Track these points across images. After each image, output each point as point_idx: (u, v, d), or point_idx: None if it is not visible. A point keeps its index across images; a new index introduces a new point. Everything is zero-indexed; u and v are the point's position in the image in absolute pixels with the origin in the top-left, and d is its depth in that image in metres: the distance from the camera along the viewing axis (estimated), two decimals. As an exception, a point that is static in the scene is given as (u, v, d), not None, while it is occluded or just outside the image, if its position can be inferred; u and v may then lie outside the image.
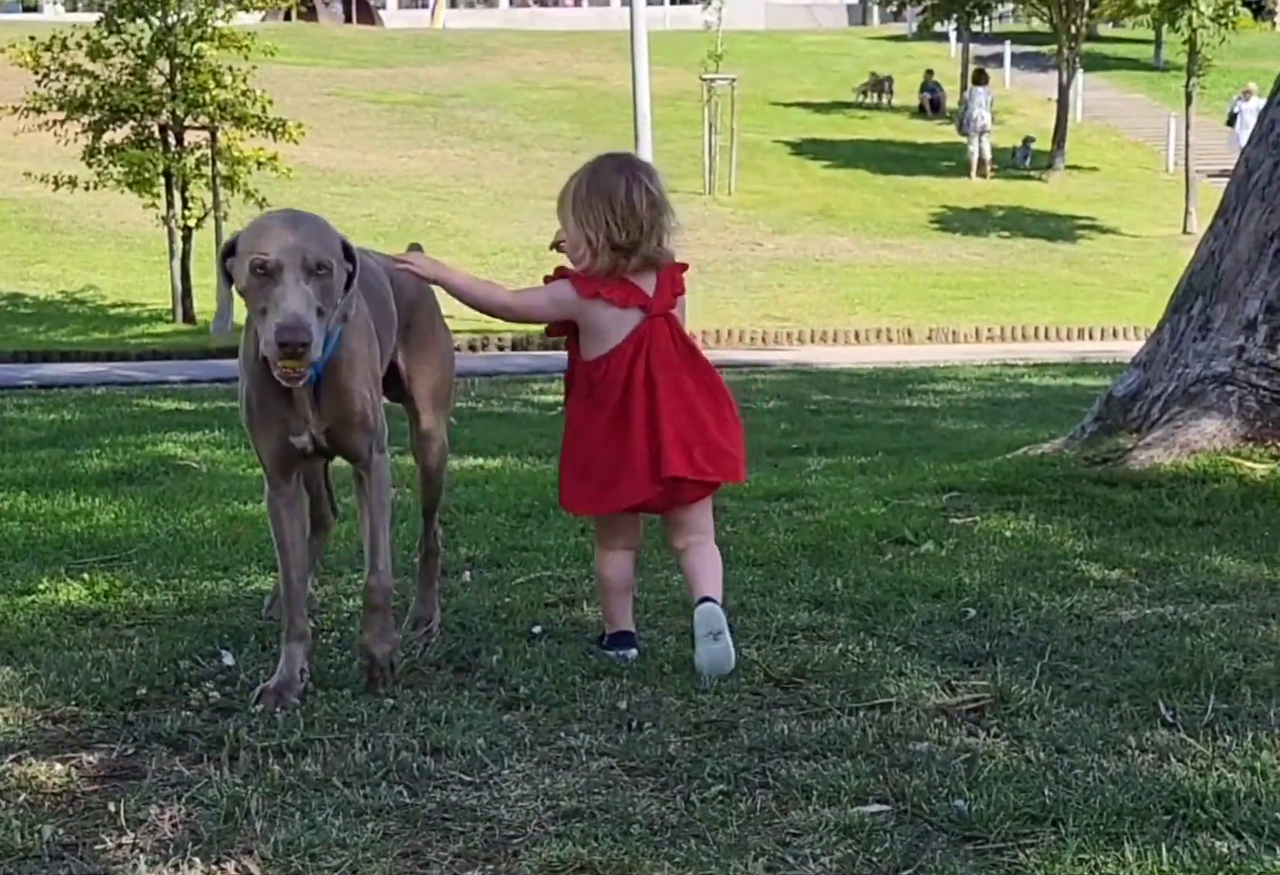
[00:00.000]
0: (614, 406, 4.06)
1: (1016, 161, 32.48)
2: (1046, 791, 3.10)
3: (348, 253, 3.72)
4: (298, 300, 3.52)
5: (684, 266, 4.18)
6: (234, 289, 3.69)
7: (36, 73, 17.37)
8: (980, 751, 3.38)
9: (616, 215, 3.97)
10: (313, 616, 4.30)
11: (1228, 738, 3.44)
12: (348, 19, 52.06)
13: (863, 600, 4.69)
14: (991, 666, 3.98)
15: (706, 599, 4.04)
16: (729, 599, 4.72)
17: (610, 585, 4.24)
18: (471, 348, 16.91)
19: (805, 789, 3.17)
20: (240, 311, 3.73)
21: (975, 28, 40.81)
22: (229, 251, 3.70)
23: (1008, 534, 5.65)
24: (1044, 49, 42.77)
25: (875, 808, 3.08)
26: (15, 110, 17.29)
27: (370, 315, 3.92)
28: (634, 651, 4.16)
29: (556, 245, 4.19)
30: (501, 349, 16.96)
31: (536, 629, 4.42)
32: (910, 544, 5.54)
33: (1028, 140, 32.74)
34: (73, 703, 3.79)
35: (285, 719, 3.63)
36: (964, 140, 31.67)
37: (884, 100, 37.95)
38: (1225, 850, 2.84)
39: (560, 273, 4.10)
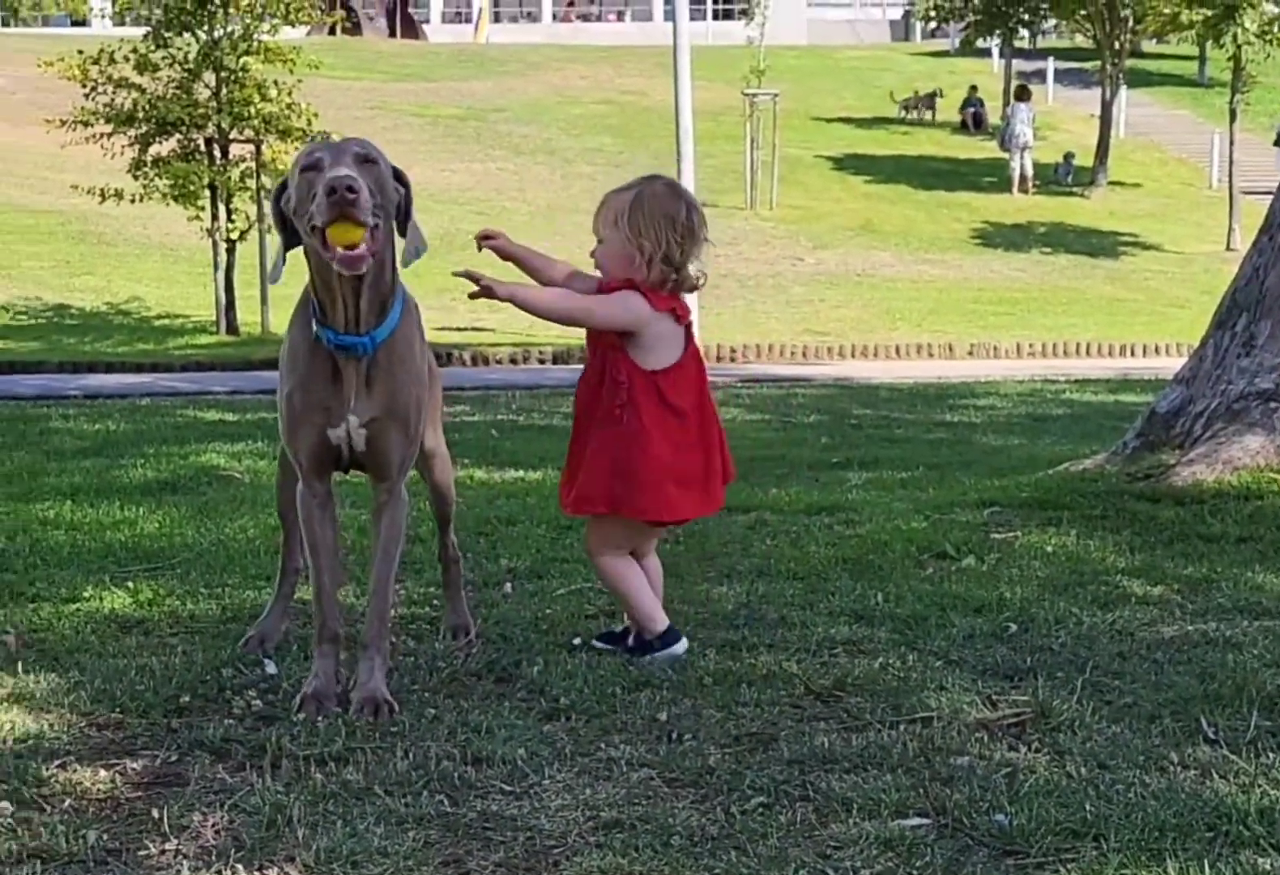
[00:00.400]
0: (694, 413, 4.26)
1: (1058, 177, 32.42)
2: (1088, 807, 3.09)
3: (398, 174, 3.78)
4: (345, 167, 3.55)
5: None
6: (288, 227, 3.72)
7: (84, 86, 17.48)
8: (1021, 766, 3.37)
9: (678, 234, 4.16)
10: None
11: (1271, 755, 3.43)
12: (392, 33, 52.28)
13: (903, 614, 4.69)
14: (1033, 681, 3.98)
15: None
16: (769, 611, 4.74)
17: (640, 584, 4.32)
18: (513, 361, 16.96)
19: (846, 802, 3.17)
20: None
21: (1018, 44, 40.72)
22: (280, 191, 3.73)
23: (1049, 549, 5.64)
24: (1087, 65, 42.71)
25: (916, 821, 3.08)
26: (63, 123, 17.40)
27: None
28: (685, 642, 4.28)
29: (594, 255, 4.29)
30: (542, 362, 17.00)
31: (577, 640, 4.44)
32: (951, 559, 5.53)
33: (1069, 156, 32.67)
34: (117, 710, 3.81)
35: (327, 727, 3.65)
36: (1006, 156, 31.62)
37: (930, 115, 37.90)
38: (1268, 867, 2.83)
39: (626, 283, 4.17)
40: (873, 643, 4.40)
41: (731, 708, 3.81)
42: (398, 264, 3.82)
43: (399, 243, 3.83)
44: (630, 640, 4.33)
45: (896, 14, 74.88)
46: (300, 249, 3.76)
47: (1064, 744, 3.52)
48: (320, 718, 3.71)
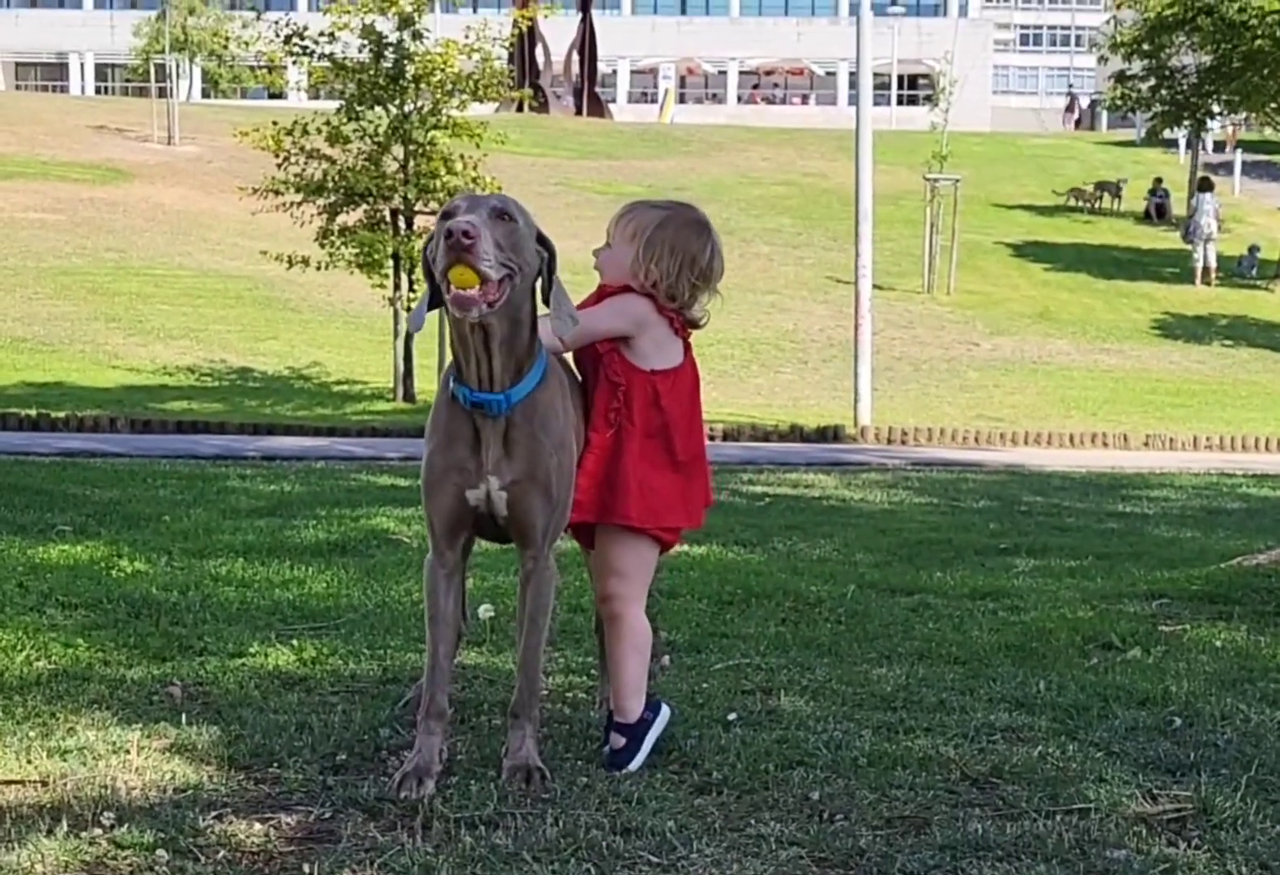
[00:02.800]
0: (682, 422, 4.06)
1: (1242, 270, 31.91)
2: (1247, 907, 3.02)
3: (542, 238, 3.80)
4: (472, 215, 3.58)
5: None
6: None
7: (277, 156, 17.92)
8: (1180, 862, 3.30)
9: (693, 274, 4.03)
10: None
11: None
12: (579, 112, 53.05)
13: (1065, 703, 4.61)
14: (1195, 777, 3.89)
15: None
16: (928, 695, 4.69)
17: (649, 645, 4.12)
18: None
19: (997, 890, 3.12)
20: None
21: (1207, 136, 40.29)
22: (430, 241, 3.77)
23: (1218, 644, 5.52)
24: (1275, 158, 42.12)
25: (1068, 913, 3.03)
26: (255, 191, 17.84)
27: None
28: (667, 711, 4.11)
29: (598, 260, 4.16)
30: (712, 438, 17.02)
31: (732, 716, 4.42)
32: (1117, 649, 5.44)
33: (1254, 249, 32.16)
34: (275, 764, 3.87)
35: (479, 791, 3.67)
36: (1189, 247, 31.21)
37: (1116, 204, 37.57)
38: None
39: (624, 289, 4.05)
40: (1032, 731, 4.33)
41: (885, 790, 3.77)
42: (540, 331, 3.82)
43: (542, 309, 3.83)
44: (617, 742, 3.98)
45: (1083, 103, 74.51)
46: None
47: (1225, 842, 3.43)
48: (422, 795, 3.63)
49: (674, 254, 4.01)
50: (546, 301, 3.83)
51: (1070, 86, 78.96)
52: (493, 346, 3.72)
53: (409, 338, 17.96)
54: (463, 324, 3.69)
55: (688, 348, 4.14)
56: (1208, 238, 30.54)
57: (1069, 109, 68.97)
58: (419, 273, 17.99)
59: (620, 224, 4.09)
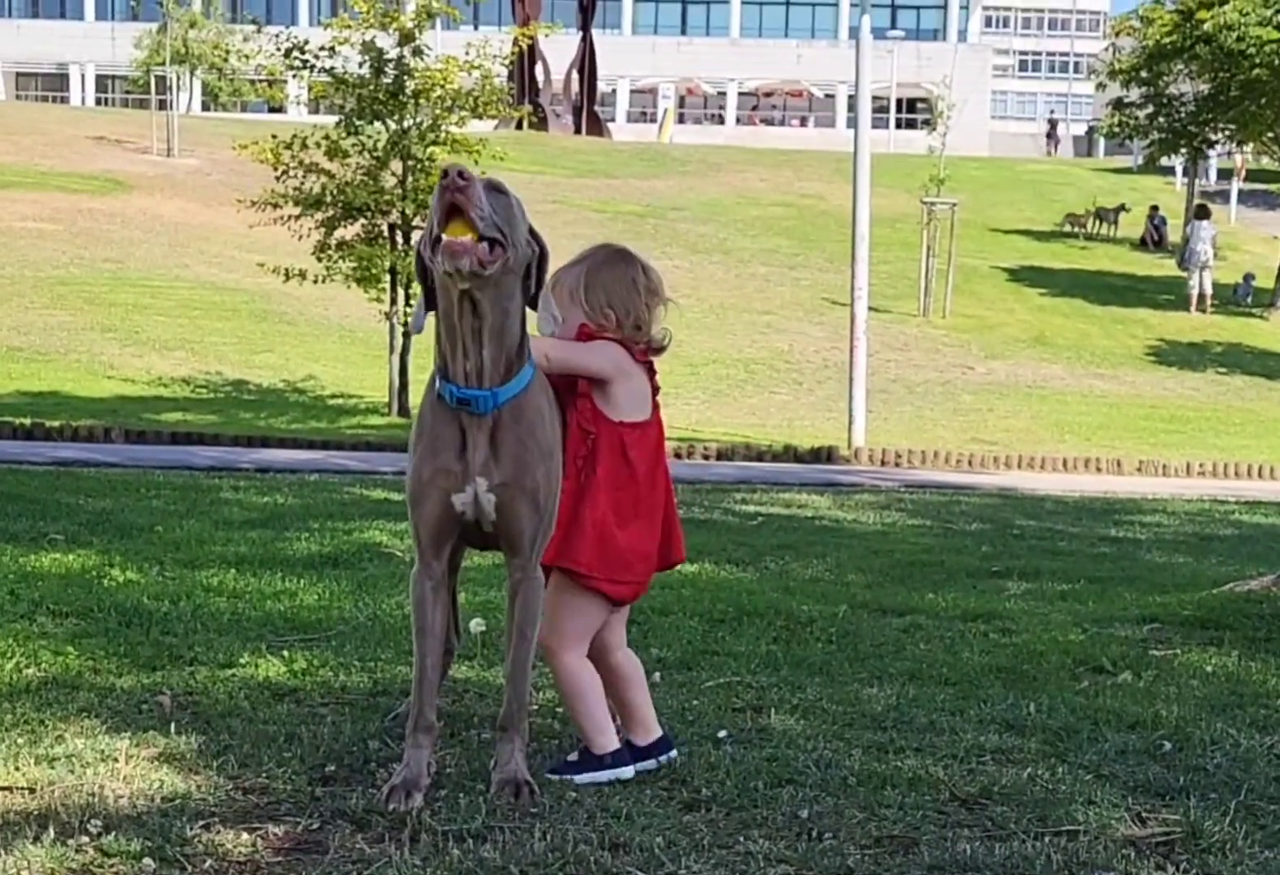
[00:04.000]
0: (646, 477, 4.05)
1: (1237, 298, 31.96)
2: (1235, 931, 3.01)
3: (534, 234, 3.79)
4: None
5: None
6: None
7: (276, 169, 17.94)
8: (1168, 886, 3.30)
9: (641, 295, 4.04)
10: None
11: None
12: (577, 130, 53.14)
13: (1055, 726, 4.62)
14: (1184, 801, 3.89)
15: (666, 742, 4.12)
16: (918, 715, 4.69)
17: (595, 689, 4.04)
18: (677, 455, 17.00)
19: (984, 910, 3.12)
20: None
21: (1203, 163, 40.41)
22: (425, 237, 3.73)
23: (1209, 669, 5.53)
24: (1272, 186, 42.23)
25: (1055, 934, 3.02)
26: (253, 204, 17.86)
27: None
28: (632, 770, 4.01)
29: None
30: (706, 458, 17.02)
31: (722, 733, 4.42)
32: (1107, 673, 5.45)
33: (1248, 277, 32.22)
34: (263, 775, 3.87)
35: (468, 805, 3.67)
36: (1184, 274, 31.26)
37: (1112, 230, 37.65)
38: None
39: (597, 334, 4.03)
40: (1022, 753, 4.33)
41: (874, 809, 3.77)
42: (528, 328, 3.81)
43: (531, 316, 3.83)
44: (575, 755, 4.04)
45: (1080, 129, 74.77)
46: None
47: (1213, 866, 3.44)
48: (411, 808, 3.62)
49: (614, 288, 4.04)
50: (534, 305, 3.82)
51: (1051, 112, 79.11)
52: (483, 334, 3.69)
53: (404, 352, 17.97)
54: (451, 307, 3.66)
55: (656, 406, 4.14)
56: (1203, 265, 30.56)
57: (1049, 135, 69.20)
58: (416, 288, 18.05)
59: (556, 294, 4.02)
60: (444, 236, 3.57)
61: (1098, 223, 37.84)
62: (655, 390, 4.12)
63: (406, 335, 17.98)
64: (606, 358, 4.01)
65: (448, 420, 3.78)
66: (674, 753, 4.11)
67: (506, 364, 3.74)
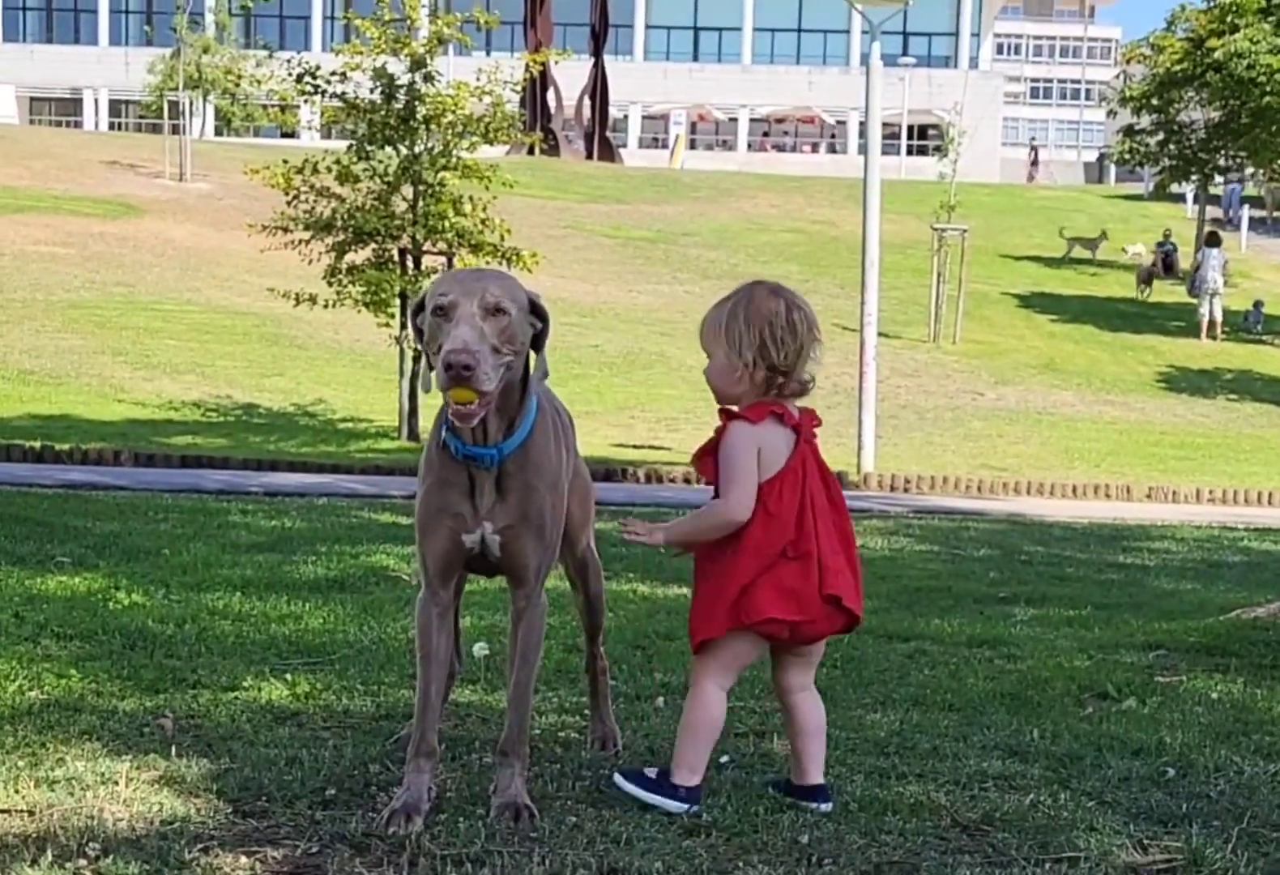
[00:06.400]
0: (792, 526, 3.92)
1: (1248, 325, 31.97)
2: (1235, 959, 3.00)
3: (536, 309, 3.79)
4: (468, 330, 3.57)
5: (817, 417, 4.12)
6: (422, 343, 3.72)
7: (287, 194, 17.99)
8: (1168, 913, 3.28)
9: (776, 337, 3.92)
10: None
11: None
12: (589, 156, 53.27)
13: (1059, 752, 4.60)
14: (1187, 828, 3.87)
15: (822, 793, 4.00)
16: (921, 741, 4.68)
17: (715, 729, 4.01)
18: (686, 481, 16.99)
19: (983, 937, 3.10)
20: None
21: (1213, 190, 40.43)
22: (419, 309, 3.77)
23: (1214, 696, 5.51)
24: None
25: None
26: (265, 229, 17.91)
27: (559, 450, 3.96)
28: (697, 808, 3.91)
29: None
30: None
31: (724, 758, 4.40)
32: (1112, 699, 5.43)
33: (1259, 304, 32.25)
34: (264, 798, 3.86)
35: (467, 829, 3.66)
36: (1194, 301, 31.27)
37: (1092, 254, 37.84)
38: None
39: (725, 417, 3.99)
40: (1025, 779, 4.31)
41: (875, 835, 3.75)
42: (531, 383, 3.82)
43: (534, 364, 3.84)
44: (654, 772, 3.99)
45: (1091, 156, 74.82)
46: None
47: (1215, 894, 3.42)
48: (411, 831, 3.62)
49: (753, 328, 3.92)
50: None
51: (1033, 138, 79.02)
52: (488, 415, 3.72)
53: (414, 377, 17.97)
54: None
55: (800, 439, 4.01)
56: (1213, 292, 30.60)
57: (1032, 162, 69.22)
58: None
59: (703, 335, 4.03)
60: (451, 400, 3.59)
61: (1077, 248, 38.06)
62: (796, 430, 4.01)
63: (416, 359, 17.99)
64: (741, 449, 3.92)
65: (455, 465, 3.82)
66: (828, 806, 3.98)
67: (509, 423, 3.79)
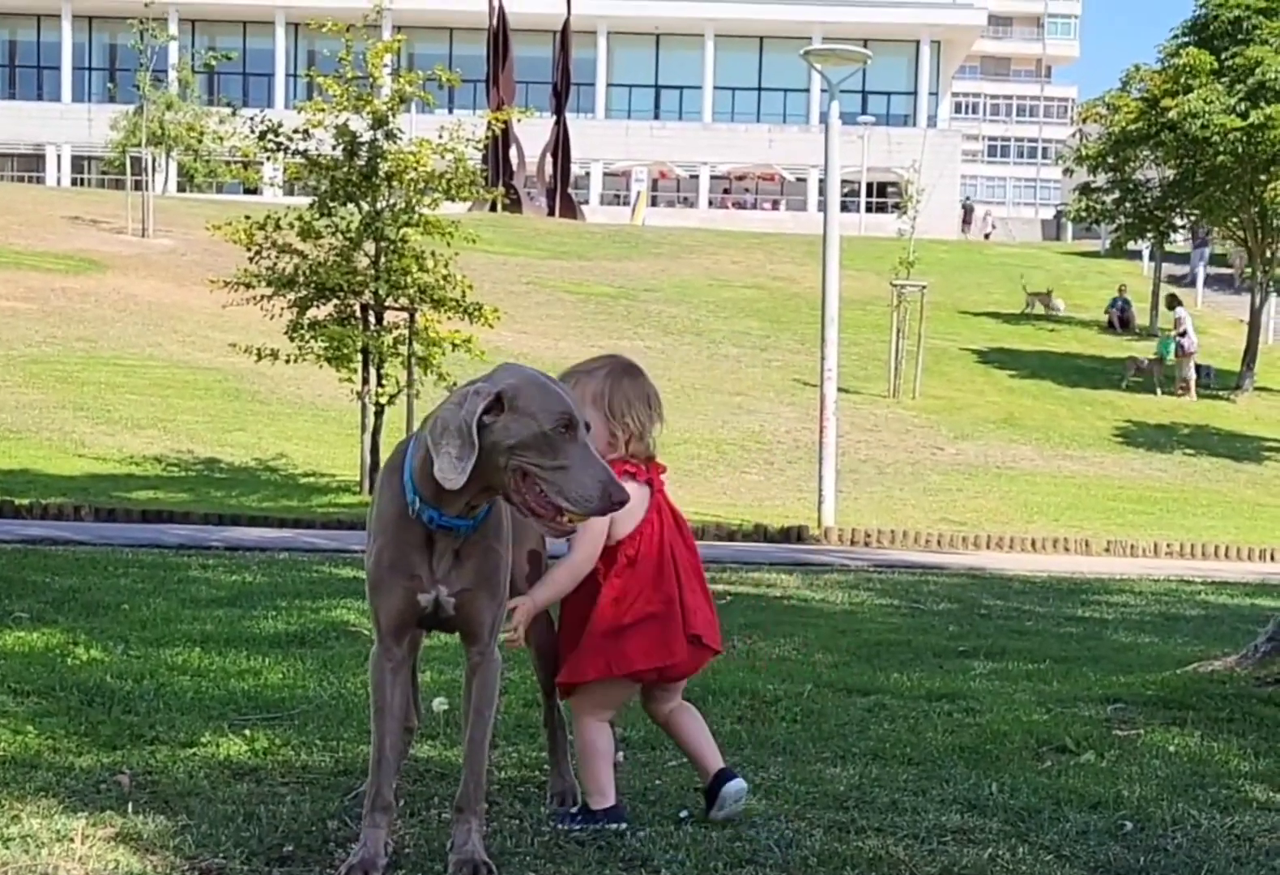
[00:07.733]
0: (653, 573, 4.30)
1: (1206, 381, 32.30)
2: None
3: None
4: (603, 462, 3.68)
5: (662, 467, 4.45)
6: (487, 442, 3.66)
7: (249, 249, 18.02)
8: (1125, 965, 3.29)
9: (651, 410, 4.34)
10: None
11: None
12: (551, 212, 53.45)
13: (1017, 806, 4.62)
14: (1144, 881, 3.89)
15: (728, 774, 4.38)
16: (880, 795, 4.69)
17: (604, 755, 4.34)
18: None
19: (941, 990, 3.11)
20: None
21: (1169, 247, 40.84)
22: (495, 402, 3.65)
23: (1171, 749, 5.54)
24: (1233, 271, 42.65)
25: None
26: (227, 284, 17.91)
27: None
28: (625, 824, 4.26)
29: None
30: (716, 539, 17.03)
31: (684, 813, 4.41)
32: (1071, 753, 5.45)
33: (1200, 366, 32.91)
34: (220, 855, 3.84)
35: (427, 884, 3.65)
36: (1172, 361, 31.73)
37: (1043, 309, 38.23)
38: None
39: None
40: (983, 833, 4.33)
41: (833, 889, 3.76)
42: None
43: None
44: (576, 808, 4.35)
45: (1048, 213, 75.44)
46: (422, 446, 3.72)
47: (1171, 946, 3.43)
48: None
49: (634, 403, 4.31)
50: None
51: (967, 198, 79.64)
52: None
53: (376, 432, 17.98)
54: (501, 484, 3.70)
55: (654, 500, 4.36)
56: (1192, 352, 31.36)
57: (965, 220, 69.68)
58: (388, 368, 18.11)
59: (578, 393, 4.16)
60: (571, 523, 3.69)
61: (1036, 304, 38.45)
62: (650, 485, 4.35)
63: (379, 414, 18.01)
64: (587, 527, 4.11)
65: (413, 527, 3.80)
66: (740, 783, 4.38)
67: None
